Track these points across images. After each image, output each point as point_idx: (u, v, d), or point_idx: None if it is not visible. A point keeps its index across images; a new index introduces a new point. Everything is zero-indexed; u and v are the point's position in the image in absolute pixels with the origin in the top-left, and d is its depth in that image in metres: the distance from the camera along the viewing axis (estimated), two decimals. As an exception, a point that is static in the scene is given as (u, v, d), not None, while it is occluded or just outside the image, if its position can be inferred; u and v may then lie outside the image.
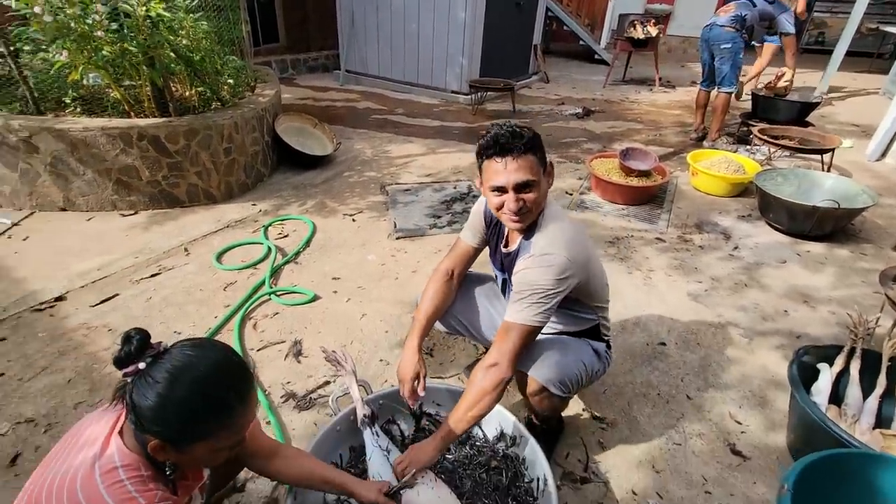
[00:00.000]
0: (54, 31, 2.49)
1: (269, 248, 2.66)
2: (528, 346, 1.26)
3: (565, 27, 8.52)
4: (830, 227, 2.89)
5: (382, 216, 3.14)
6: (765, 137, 3.81)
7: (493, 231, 1.46)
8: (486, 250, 1.54)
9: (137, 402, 0.79)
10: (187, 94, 3.42)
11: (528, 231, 1.29)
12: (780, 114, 4.38)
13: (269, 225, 2.96)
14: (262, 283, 2.39)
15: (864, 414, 1.58)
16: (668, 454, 1.61)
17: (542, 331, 1.48)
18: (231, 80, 3.54)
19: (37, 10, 2.43)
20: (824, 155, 3.71)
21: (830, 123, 5.39)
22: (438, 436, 1.24)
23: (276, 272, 2.51)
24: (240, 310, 2.19)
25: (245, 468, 1.27)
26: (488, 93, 5.74)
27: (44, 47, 2.72)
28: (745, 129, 4.54)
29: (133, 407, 0.79)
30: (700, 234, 3.04)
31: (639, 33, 6.55)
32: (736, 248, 2.90)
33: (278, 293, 2.34)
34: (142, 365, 0.81)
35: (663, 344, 2.10)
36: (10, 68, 2.89)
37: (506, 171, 1.16)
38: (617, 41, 7.08)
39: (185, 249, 2.68)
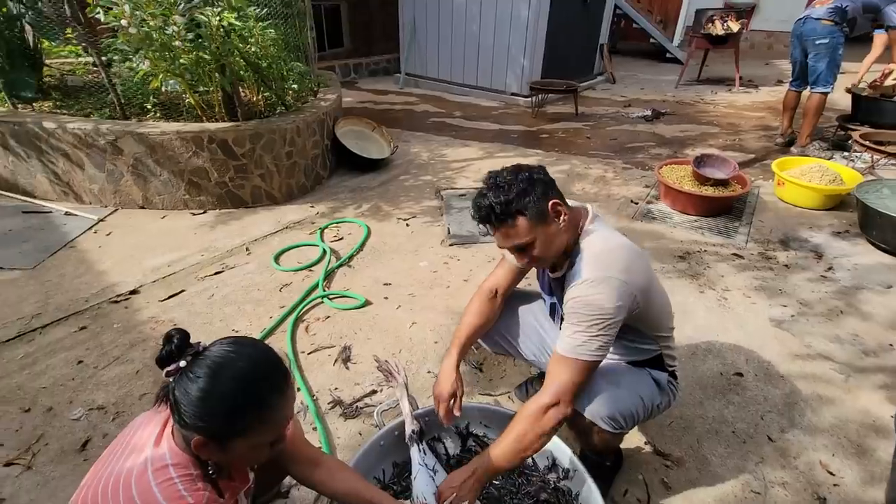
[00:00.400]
0: (138, 41, 2.67)
1: (325, 251, 2.70)
2: (583, 385, 1.14)
3: (635, 25, 8.12)
4: (950, 248, 2.49)
5: (436, 221, 3.10)
6: (868, 143, 3.37)
7: None
8: (534, 270, 1.44)
9: (180, 399, 0.80)
10: (255, 99, 3.57)
11: (571, 256, 1.20)
12: (886, 117, 3.86)
13: (326, 227, 3.00)
14: (316, 285, 2.42)
15: None
16: (744, 503, 1.43)
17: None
18: (295, 86, 3.65)
19: (123, 22, 2.62)
20: (942, 164, 3.23)
21: (948, 127, 4.70)
22: (481, 471, 1.16)
23: (329, 275, 2.54)
24: (293, 312, 2.22)
25: (289, 475, 1.26)
26: (550, 95, 5.56)
27: (129, 57, 2.92)
28: (843, 133, 4.05)
29: (176, 404, 0.81)
30: (786, 252, 2.73)
31: (718, 29, 6.09)
32: (830, 268, 2.57)
33: (331, 297, 2.35)
34: (183, 363, 0.83)
35: (740, 375, 1.88)
36: (101, 76, 3.15)
37: (496, 236, 1.18)
38: (692, 38, 6.63)
39: (247, 249, 2.78)
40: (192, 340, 0.88)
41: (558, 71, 5.83)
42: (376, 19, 7.99)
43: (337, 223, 3.08)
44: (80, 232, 2.91)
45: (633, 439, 1.60)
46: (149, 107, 3.23)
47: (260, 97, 3.58)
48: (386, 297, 2.36)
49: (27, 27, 3.49)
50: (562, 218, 1.17)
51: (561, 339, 1.13)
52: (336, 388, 1.83)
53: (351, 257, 2.70)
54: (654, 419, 1.65)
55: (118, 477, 0.82)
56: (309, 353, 2.00)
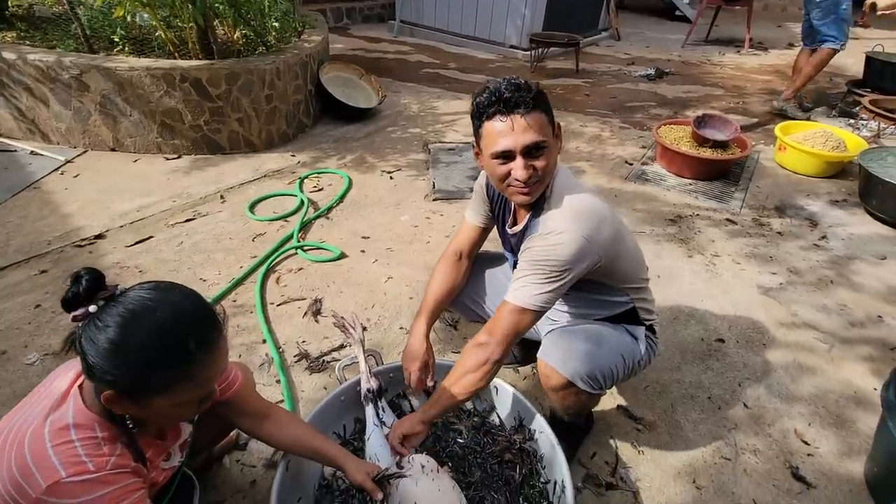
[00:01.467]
0: (98, -37, 2.43)
1: (302, 201, 2.58)
2: (524, 331, 1.09)
3: (645, -22, 7.66)
4: (950, 220, 2.41)
5: (422, 175, 2.97)
6: (877, 110, 3.22)
7: (498, 208, 1.27)
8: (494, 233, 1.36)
9: (87, 349, 0.70)
10: (233, 36, 3.33)
11: (536, 206, 1.09)
12: (899, 82, 3.69)
13: (306, 177, 2.87)
14: (291, 236, 2.31)
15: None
16: (713, 469, 1.40)
17: (571, 318, 1.29)
18: (277, 24, 3.41)
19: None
20: (951, 134, 3.09)
21: (960, 98, 4.52)
22: (425, 413, 1.15)
23: (305, 226, 2.43)
24: (265, 262, 2.13)
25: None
26: (550, 49, 5.27)
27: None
28: (852, 99, 3.88)
29: (84, 354, 0.71)
30: (780, 219, 2.64)
31: (732, -16, 5.74)
32: (824, 237, 2.49)
33: (305, 248, 2.25)
34: (92, 308, 0.72)
35: (721, 341, 1.83)
36: (65, 5, 2.90)
37: (513, 132, 0.96)
38: (704, -6, 6.27)
39: (221, 197, 2.65)
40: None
41: (561, 24, 5.52)
42: (372, -39, 7.49)
43: (318, 173, 2.94)
44: (45, 173, 2.76)
45: (606, 402, 1.56)
46: (117, 40, 3.00)
47: (238, 34, 3.34)
48: (363, 251, 2.27)
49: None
50: (559, 144, 1.08)
51: (511, 287, 1.07)
52: (304, 342, 1.76)
53: (330, 209, 2.58)
54: (629, 381, 1.61)
55: (17, 432, 0.73)
56: (278, 305, 1.93)
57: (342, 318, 1.41)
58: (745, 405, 1.59)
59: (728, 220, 2.61)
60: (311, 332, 1.81)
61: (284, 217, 2.48)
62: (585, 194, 1.08)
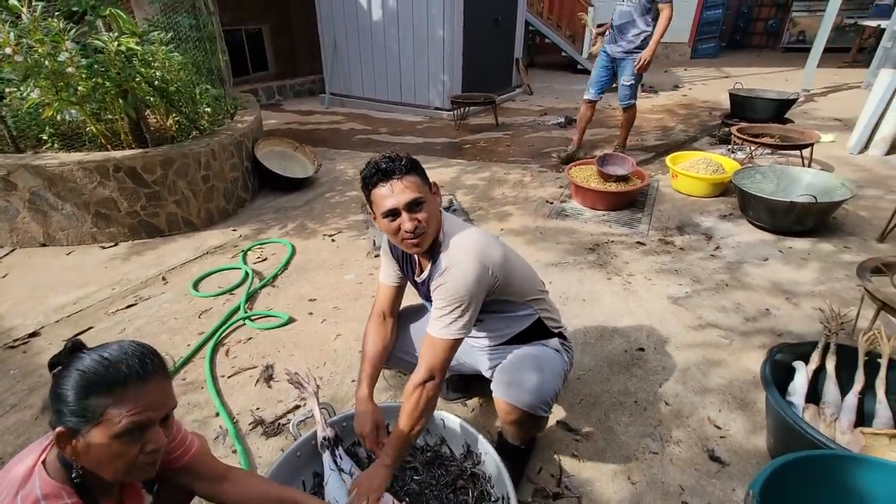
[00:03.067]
0: (25, 69, 2.53)
1: (247, 273, 2.65)
2: (451, 359, 1.26)
3: (547, 40, 8.64)
4: (811, 222, 2.87)
5: (362, 235, 3.14)
6: (744, 136, 3.81)
7: (405, 263, 1.44)
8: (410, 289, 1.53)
9: (51, 395, 0.80)
10: (166, 123, 3.46)
11: (434, 253, 1.28)
12: (758, 112, 4.39)
13: (249, 249, 2.95)
14: (237, 308, 2.37)
15: (843, 412, 1.53)
16: (644, 464, 1.57)
17: (491, 341, 1.47)
18: (209, 109, 3.58)
19: (8, 51, 2.48)
20: (804, 150, 3.70)
21: (812, 119, 5.39)
22: (387, 458, 1.24)
23: (252, 297, 2.50)
24: (213, 337, 2.17)
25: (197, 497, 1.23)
26: (471, 108, 5.79)
27: (19, 87, 2.75)
28: (726, 129, 4.55)
29: (50, 402, 0.80)
30: (681, 236, 3.02)
31: (618, 41, 6.61)
32: (717, 248, 2.87)
33: (252, 318, 2.32)
34: (66, 361, 0.83)
35: (642, 350, 2.07)
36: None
37: (394, 193, 1.16)
38: (598, 50, 7.16)
39: (163, 279, 2.68)
40: None
41: (478, 84, 6.09)
42: (299, 42, 7.97)
43: (261, 244, 3.03)
44: (-31, 276, 2.68)
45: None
46: (45, 138, 3.04)
47: (171, 121, 3.47)
48: (310, 313, 2.36)
49: None
50: (439, 200, 1.29)
51: (431, 323, 1.24)
52: (258, 409, 1.81)
53: (275, 277, 2.67)
54: (564, 399, 1.79)
55: None
56: (229, 377, 1.96)
57: (296, 373, 1.51)
58: (666, 403, 1.80)
59: (638, 242, 2.95)
60: (265, 397, 1.86)
61: (230, 290, 2.54)
62: (470, 230, 1.30)
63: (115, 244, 3.03)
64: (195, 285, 2.59)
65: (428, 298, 1.43)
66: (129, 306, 2.43)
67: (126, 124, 3.08)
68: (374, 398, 1.44)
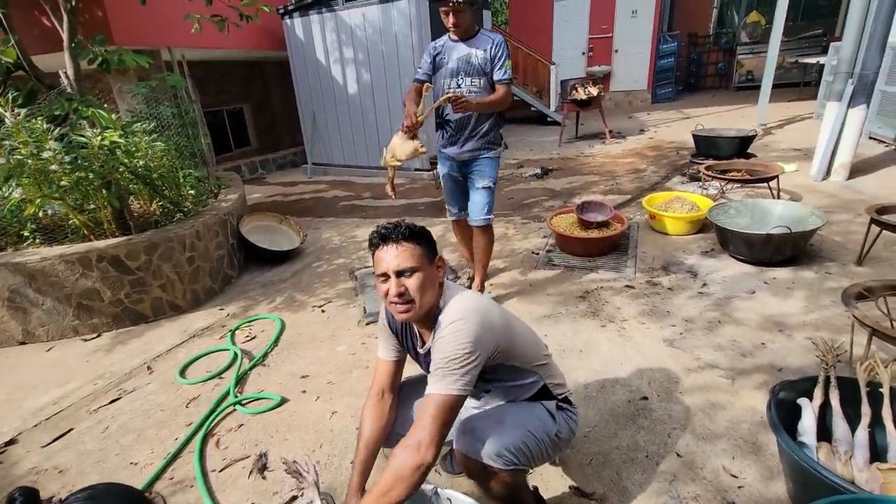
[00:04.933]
0: (7, 171, 2.56)
1: (236, 354, 2.58)
2: (451, 422, 1.18)
3: (516, 97, 9.12)
4: (790, 251, 2.94)
5: (352, 303, 3.11)
6: (711, 174, 3.98)
7: (404, 336, 1.43)
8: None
9: None
10: (150, 209, 3.49)
11: (434, 322, 1.28)
12: (722, 149, 4.61)
13: (237, 328, 2.89)
14: (227, 393, 2.29)
15: (856, 448, 1.49)
16: (665, 525, 1.49)
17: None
18: (192, 191, 3.63)
19: (-10, 154, 2.52)
20: (771, 182, 3.87)
21: (774, 151, 5.68)
22: None
23: (241, 379, 2.42)
24: (201, 428, 2.07)
25: None
26: (450, 166, 5.97)
27: (0, 187, 2.78)
28: (694, 167, 4.75)
29: None
30: (668, 276, 3.06)
31: (581, 95, 7.03)
32: (704, 284, 2.91)
33: (243, 402, 2.23)
34: None
35: (645, 398, 2.03)
36: (-32, 210, 2.94)
37: (387, 256, 1.22)
38: (563, 104, 7.58)
39: (149, 367, 2.59)
40: (83, 485, 0.80)
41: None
42: (279, 117, 8.29)
43: (249, 322, 2.98)
44: (-59, 385, 2.55)
45: (556, 485, 1.64)
46: (26, 234, 3.03)
47: (155, 207, 3.51)
48: (304, 391, 2.29)
49: None
50: (441, 273, 1.30)
51: (430, 383, 1.19)
52: (253, 503, 1.70)
53: (265, 355, 2.60)
54: (574, 459, 1.72)
55: None
56: (220, 471, 1.86)
57: (294, 461, 1.43)
58: (677, 454, 1.74)
59: (627, 286, 2.98)
60: (259, 491, 1.75)
61: (218, 375, 2.46)
62: (469, 293, 1.31)
63: (98, 335, 2.95)
64: (182, 372, 2.50)
65: (430, 369, 1.40)
66: (112, 401, 2.33)
67: (109, 213, 3.10)
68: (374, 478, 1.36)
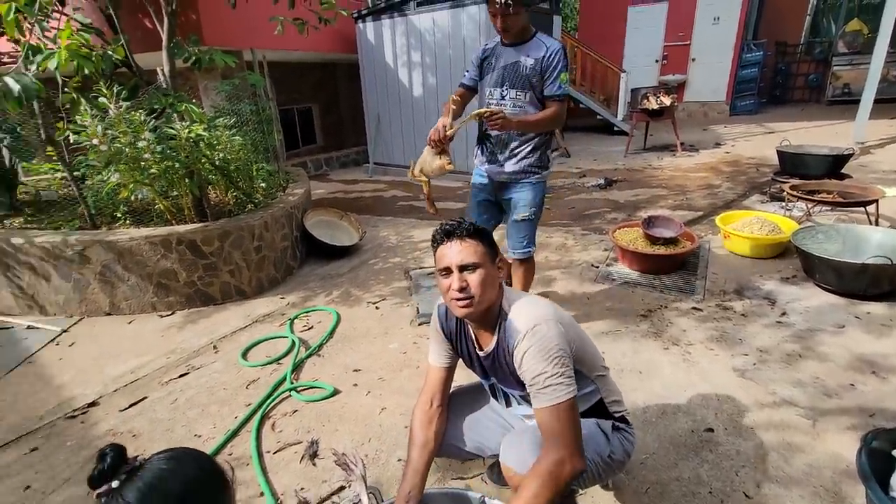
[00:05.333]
0: (108, 157, 2.82)
1: (293, 342, 2.68)
2: (579, 423, 1.15)
3: (581, 105, 8.89)
4: (888, 284, 2.64)
5: (406, 302, 3.15)
6: (798, 194, 3.66)
7: (458, 340, 1.40)
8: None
9: None
10: (224, 198, 3.72)
11: (495, 324, 1.26)
12: (811, 168, 4.23)
13: (295, 318, 3.01)
14: (284, 378, 2.38)
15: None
16: (729, 571, 1.37)
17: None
18: (264, 184, 3.84)
19: (95, 141, 2.79)
20: (869, 207, 3.50)
21: (873, 173, 5.15)
22: None
23: (298, 367, 2.51)
24: (259, 409, 2.16)
25: None
26: (509, 172, 5.91)
27: (100, 171, 3.06)
28: (777, 186, 4.40)
29: None
30: (741, 301, 2.84)
31: (652, 104, 6.73)
32: (784, 313, 2.67)
33: (298, 389, 2.31)
34: (115, 483, 0.78)
35: (710, 430, 1.88)
36: (73, 190, 3.27)
37: (450, 252, 1.22)
38: (633, 113, 7.29)
39: (214, 347, 2.75)
40: (152, 451, 0.85)
41: (515, 150, 6.26)
42: (345, 117, 8.60)
43: (307, 312, 3.09)
44: (40, 345, 2.85)
45: (610, 512, 1.55)
46: (119, 215, 3.32)
47: (230, 196, 3.73)
48: (355, 384, 2.33)
49: (3, 151, 3.66)
50: (502, 274, 1.29)
51: (536, 397, 1.16)
52: (303, 489, 1.75)
53: (320, 346, 2.69)
54: (630, 487, 1.62)
55: None
56: (275, 453, 1.93)
57: (343, 454, 1.46)
58: (746, 495, 1.60)
59: (694, 308, 2.80)
60: (309, 477, 1.80)
61: (276, 360, 2.56)
62: (532, 297, 1.30)
63: (172, 312, 3.17)
64: (244, 354, 2.63)
65: (487, 374, 1.38)
66: (181, 375, 2.49)
67: (190, 200, 3.34)
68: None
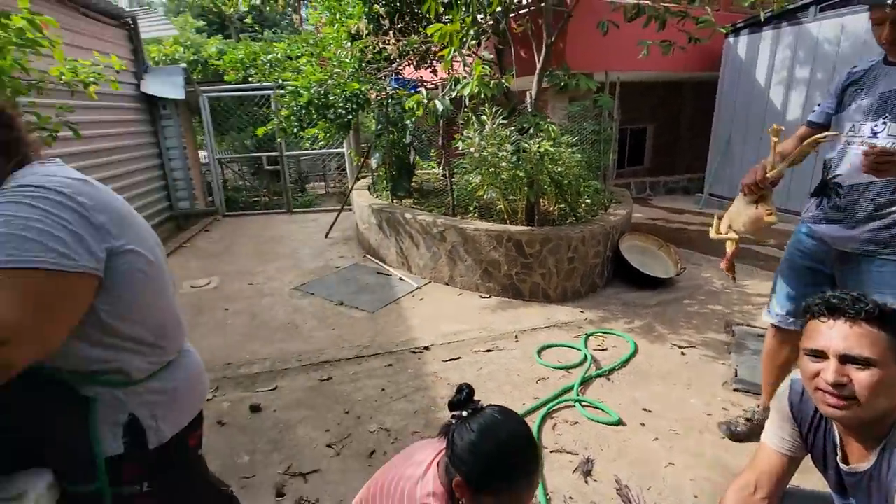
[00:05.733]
0: (476, 162, 3.51)
1: (586, 357, 2.70)
2: None
3: None
4: None
5: (721, 359, 2.69)
6: None
7: (812, 433, 1.04)
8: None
9: (455, 441, 0.98)
10: (551, 209, 4.06)
11: (883, 438, 0.89)
12: None
13: (591, 335, 3.02)
14: (571, 388, 2.43)
15: None
16: None
17: None
18: (588, 200, 3.98)
19: (472, 150, 3.52)
20: None
21: None
22: None
23: (586, 382, 2.51)
24: (544, 406, 2.29)
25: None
26: None
27: (468, 173, 3.85)
28: None
29: (452, 443, 0.99)
30: None
31: None
32: None
33: (583, 403, 2.31)
34: (465, 413, 1.01)
35: None
36: (446, 184, 4.25)
37: (832, 333, 0.93)
38: None
39: (516, 336, 3.06)
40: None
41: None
42: (682, 139, 8.00)
43: (604, 333, 3.06)
44: (403, 294, 3.84)
45: None
46: (471, 209, 4.11)
47: (556, 207, 4.06)
48: (643, 424, 2.16)
49: (412, 151, 5.09)
50: None
51: None
52: (571, 498, 1.75)
53: (612, 370, 2.61)
54: None
55: (396, 483, 1.06)
56: (551, 452, 2.00)
57: (626, 486, 1.38)
58: None
59: None
60: (579, 491, 1.79)
61: (567, 368, 2.64)
62: None
63: (490, 297, 3.71)
64: (539, 352, 2.83)
65: (844, 494, 1.03)
66: (487, 350, 2.89)
67: (524, 205, 3.80)
68: None
